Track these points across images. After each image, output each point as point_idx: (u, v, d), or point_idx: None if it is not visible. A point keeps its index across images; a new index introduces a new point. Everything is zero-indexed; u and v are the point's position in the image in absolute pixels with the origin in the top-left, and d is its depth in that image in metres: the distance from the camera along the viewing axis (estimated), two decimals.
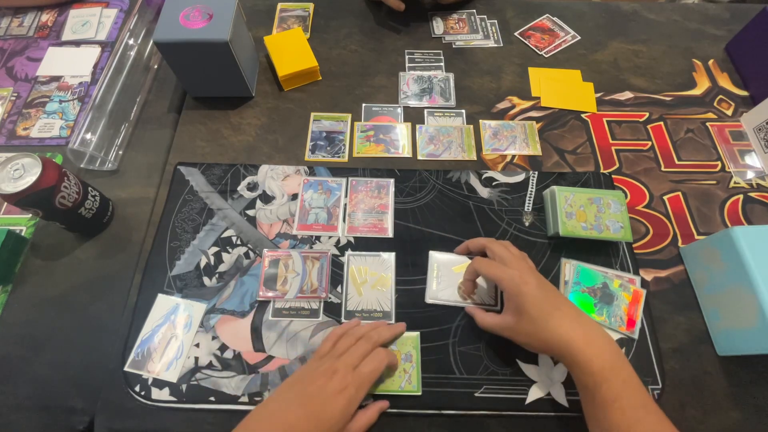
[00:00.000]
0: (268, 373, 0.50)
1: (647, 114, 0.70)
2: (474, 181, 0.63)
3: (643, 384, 0.41)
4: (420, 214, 0.60)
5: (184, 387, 0.49)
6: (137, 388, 0.48)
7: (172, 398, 0.48)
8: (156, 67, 0.73)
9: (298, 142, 0.66)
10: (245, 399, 0.48)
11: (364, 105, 0.70)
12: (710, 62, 0.76)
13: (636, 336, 0.52)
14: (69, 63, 0.73)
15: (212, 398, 0.48)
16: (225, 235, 0.58)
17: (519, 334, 0.45)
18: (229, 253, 0.57)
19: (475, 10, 0.81)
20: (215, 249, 0.57)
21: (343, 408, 0.40)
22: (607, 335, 0.43)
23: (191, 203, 0.60)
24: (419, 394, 0.48)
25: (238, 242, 0.57)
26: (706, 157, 0.66)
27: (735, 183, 0.63)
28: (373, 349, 0.46)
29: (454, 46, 0.77)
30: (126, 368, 0.49)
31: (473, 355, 0.49)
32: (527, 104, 0.71)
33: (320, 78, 0.72)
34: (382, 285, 0.55)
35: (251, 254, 0.57)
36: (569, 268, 0.56)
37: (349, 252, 0.57)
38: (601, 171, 0.64)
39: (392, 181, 0.62)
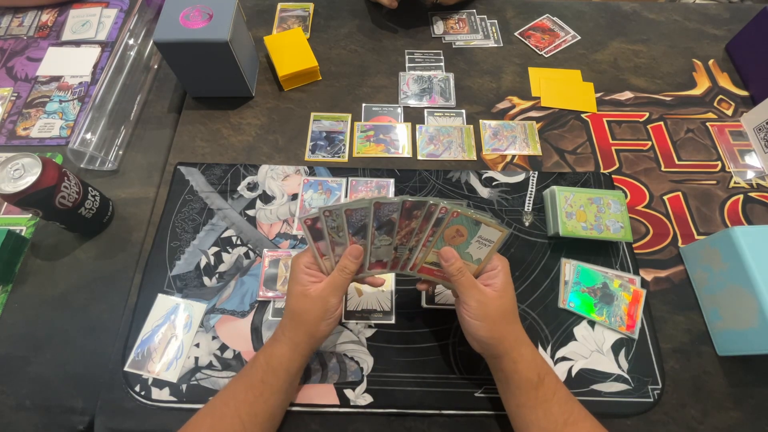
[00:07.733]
0: None
1: (647, 114, 0.70)
2: (474, 181, 0.63)
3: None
4: None
5: (184, 387, 0.49)
6: (137, 388, 0.48)
7: (172, 398, 0.48)
8: (156, 67, 0.72)
9: (298, 142, 0.66)
10: None
11: (364, 105, 0.70)
12: (710, 62, 0.76)
13: (636, 336, 0.52)
14: (69, 63, 0.73)
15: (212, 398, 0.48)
16: (225, 235, 0.58)
17: (487, 314, 0.43)
18: (229, 253, 0.57)
19: (475, 10, 0.81)
20: (215, 249, 0.57)
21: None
22: None
23: (191, 203, 0.60)
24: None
25: (238, 242, 0.57)
26: (706, 157, 0.66)
27: (735, 183, 0.63)
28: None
29: (454, 46, 0.77)
30: (126, 368, 0.49)
31: (473, 355, 0.49)
32: (527, 104, 0.71)
33: (320, 78, 0.72)
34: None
35: (251, 254, 0.57)
36: (569, 268, 0.56)
37: None
38: (601, 171, 0.64)
39: (392, 181, 0.62)
